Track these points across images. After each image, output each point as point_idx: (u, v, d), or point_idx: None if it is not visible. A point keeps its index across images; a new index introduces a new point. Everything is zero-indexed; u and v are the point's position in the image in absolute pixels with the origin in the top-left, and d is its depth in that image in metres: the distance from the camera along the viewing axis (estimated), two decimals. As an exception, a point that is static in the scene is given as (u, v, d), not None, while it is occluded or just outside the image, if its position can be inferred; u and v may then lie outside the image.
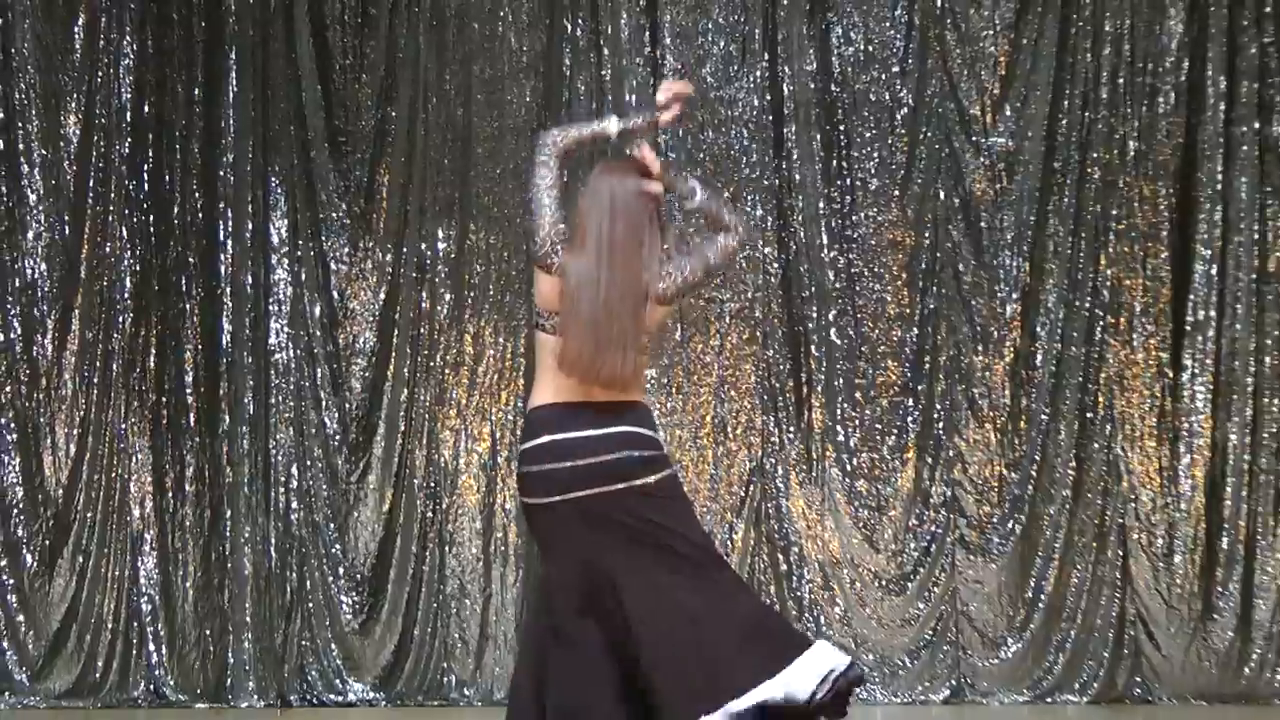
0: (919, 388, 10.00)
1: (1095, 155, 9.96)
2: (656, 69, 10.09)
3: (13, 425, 9.92)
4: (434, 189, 10.14)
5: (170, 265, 10.07)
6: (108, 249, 10.04)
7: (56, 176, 10.03)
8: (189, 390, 10.03)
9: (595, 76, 10.09)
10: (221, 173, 10.09)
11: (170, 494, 9.97)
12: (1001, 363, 9.99)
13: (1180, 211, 9.95)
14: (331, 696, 9.88)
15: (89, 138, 10.03)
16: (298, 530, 10.00)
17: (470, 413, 10.05)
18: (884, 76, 10.09)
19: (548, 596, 5.47)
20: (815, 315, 10.01)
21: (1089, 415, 9.91)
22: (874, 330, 10.04)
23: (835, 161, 10.06)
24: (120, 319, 10.01)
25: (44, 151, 10.02)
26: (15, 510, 9.87)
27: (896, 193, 10.06)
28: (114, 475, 9.95)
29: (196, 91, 10.10)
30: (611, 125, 5.61)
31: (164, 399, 10.01)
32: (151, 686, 9.85)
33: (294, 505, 10.01)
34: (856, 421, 9.99)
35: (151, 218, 10.08)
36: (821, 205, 10.04)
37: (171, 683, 9.84)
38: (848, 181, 10.07)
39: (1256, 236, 9.89)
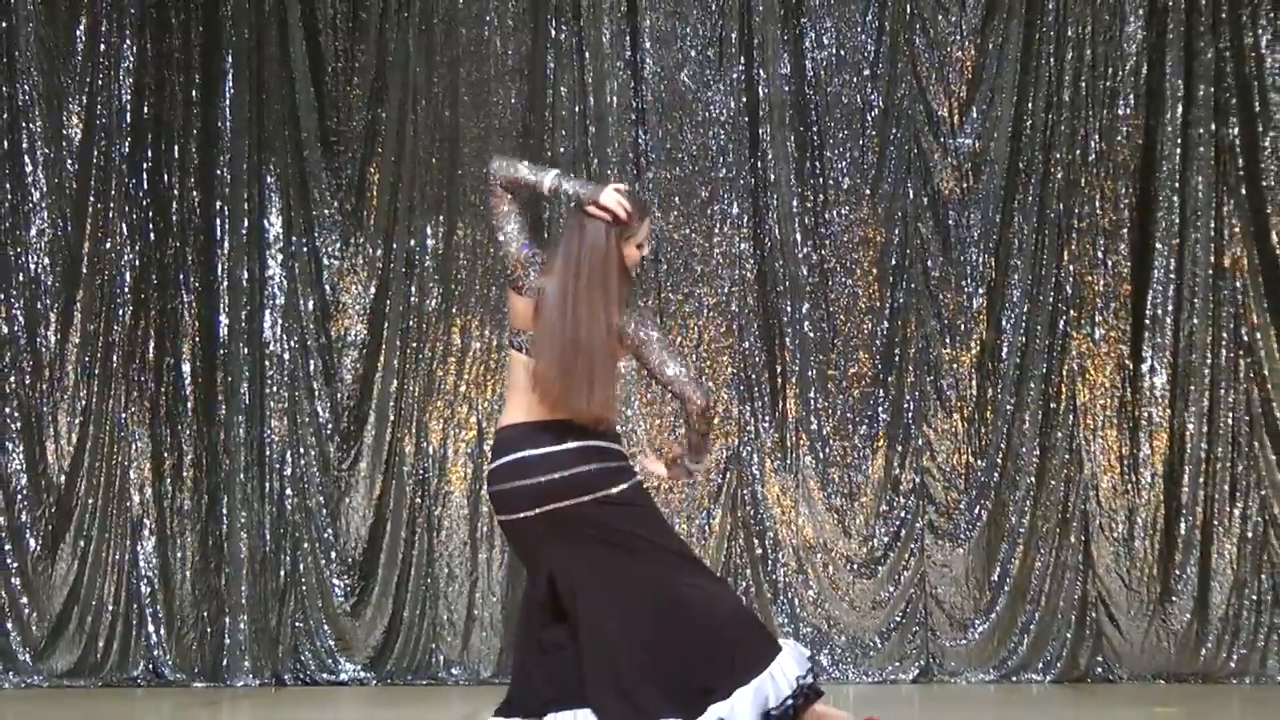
0: (889, 379, 10.11)
1: (1058, 155, 10.08)
2: (637, 72, 10.21)
3: (16, 414, 10.02)
4: (422, 187, 10.25)
5: (169, 260, 10.16)
6: (108, 245, 10.13)
7: (59, 175, 10.12)
8: (187, 381, 10.13)
9: (578, 79, 10.20)
10: (218, 171, 10.19)
11: (168, 480, 10.07)
12: (968, 355, 10.11)
13: (1140, 209, 10.06)
14: (324, 676, 10.00)
15: (90, 137, 10.13)
16: (291, 515, 10.10)
17: (458, 403, 10.15)
18: (855, 80, 10.21)
19: (527, 612, 5.65)
20: (789, 309, 10.13)
21: (1052, 405, 10.04)
22: (846, 323, 10.14)
23: (808, 161, 10.18)
24: (120, 312, 10.11)
25: (47, 150, 10.11)
26: (19, 496, 9.98)
27: (867, 191, 10.17)
28: (114, 462, 10.05)
29: (194, 93, 10.19)
30: (547, 180, 5.56)
31: (163, 389, 10.10)
32: (150, 666, 9.97)
33: (288, 491, 10.12)
34: (829, 411, 10.10)
35: (150, 214, 10.17)
36: (795, 203, 10.15)
37: (170, 662, 9.96)
38: (820, 180, 10.18)
39: (1213, 233, 10.01)
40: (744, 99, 10.19)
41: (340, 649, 10.07)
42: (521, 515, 5.55)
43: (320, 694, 9.77)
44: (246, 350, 10.16)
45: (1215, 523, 9.94)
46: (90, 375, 10.09)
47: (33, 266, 10.12)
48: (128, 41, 10.20)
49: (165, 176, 10.19)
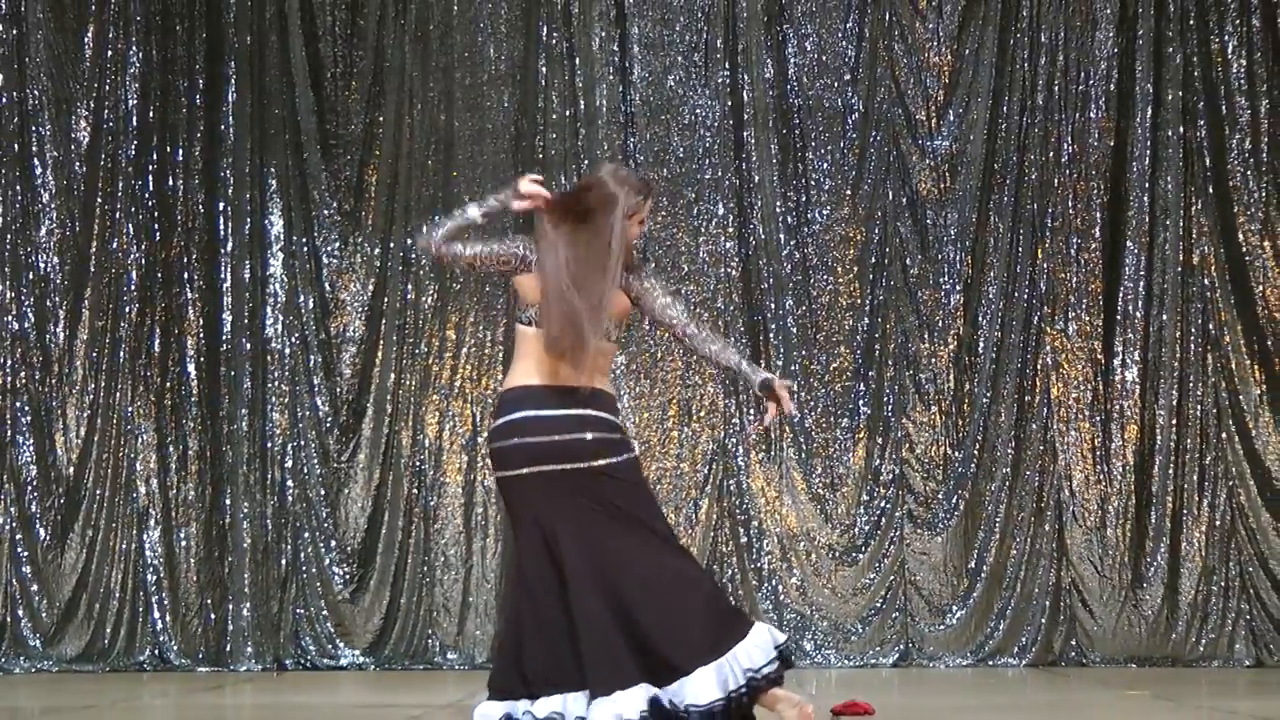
0: (869, 373, 10.24)
1: (1032, 157, 10.23)
2: (626, 77, 10.34)
3: (27, 408, 10.13)
4: (418, 188, 10.36)
5: (173, 259, 10.26)
6: (115, 244, 10.24)
7: (67, 176, 10.22)
8: (191, 375, 10.24)
9: (568, 84, 10.33)
10: (221, 173, 10.30)
11: (174, 472, 10.18)
12: (946, 350, 10.25)
13: (1111, 209, 10.22)
14: (324, 661, 10.12)
15: (98, 140, 10.23)
16: (292, 506, 10.20)
17: (453, 396, 10.27)
18: (836, 84, 10.35)
19: (522, 588, 5.70)
20: (773, 306, 10.26)
21: (1027, 398, 10.19)
22: (827, 320, 10.27)
23: (791, 163, 10.31)
24: (127, 309, 10.21)
25: (56, 153, 10.22)
26: (29, 487, 10.08)
27: (848, 192, 10.30)
28: (121, 455, 10.16)
29: (197, 97, 10.30)
30: (472, 210, 5.72)
31: (168, 383, 10.21)
32: (156, 651, 10.08)
33: (289, 483, 10.22)
34: (811, 405, 10.22)
35: (156, 215, 10.28)
36: (778, 204, 10.29)
37: (175, 648, 10.08)
38: (803, 181, 10.32)
39: (1181, 233, 10.17)
40: (729, 103, 10.31)
41: (340, 635, 10.17)
42: (515, 472, 5.63)
43: (321, 678, 9.82)
44: (248, 346, 10.26)
45: (1185, 511, 10.09)
46: (98, 370, 10.18)
47: (42, 265, 10.21)
48: (134, 48, 10.30)
49: (170, 178, 10.30)
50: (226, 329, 10.27)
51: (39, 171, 10.23)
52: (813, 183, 10.32)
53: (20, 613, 10.07)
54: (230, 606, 10.13)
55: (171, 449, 10.20)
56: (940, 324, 10.27)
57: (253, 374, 10.26)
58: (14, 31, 10.24)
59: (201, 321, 10.26)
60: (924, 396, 10.26)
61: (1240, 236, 10.19)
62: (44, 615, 10.07)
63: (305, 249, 10.37)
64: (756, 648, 5.65)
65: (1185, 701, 8.15)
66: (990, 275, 10.24)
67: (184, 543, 10.18)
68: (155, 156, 10.30)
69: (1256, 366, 10.17)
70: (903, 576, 10.16)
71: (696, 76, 10.36)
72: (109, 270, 10.25)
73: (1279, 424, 10.13)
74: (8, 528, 10.08)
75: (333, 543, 10.24)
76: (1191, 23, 10.23)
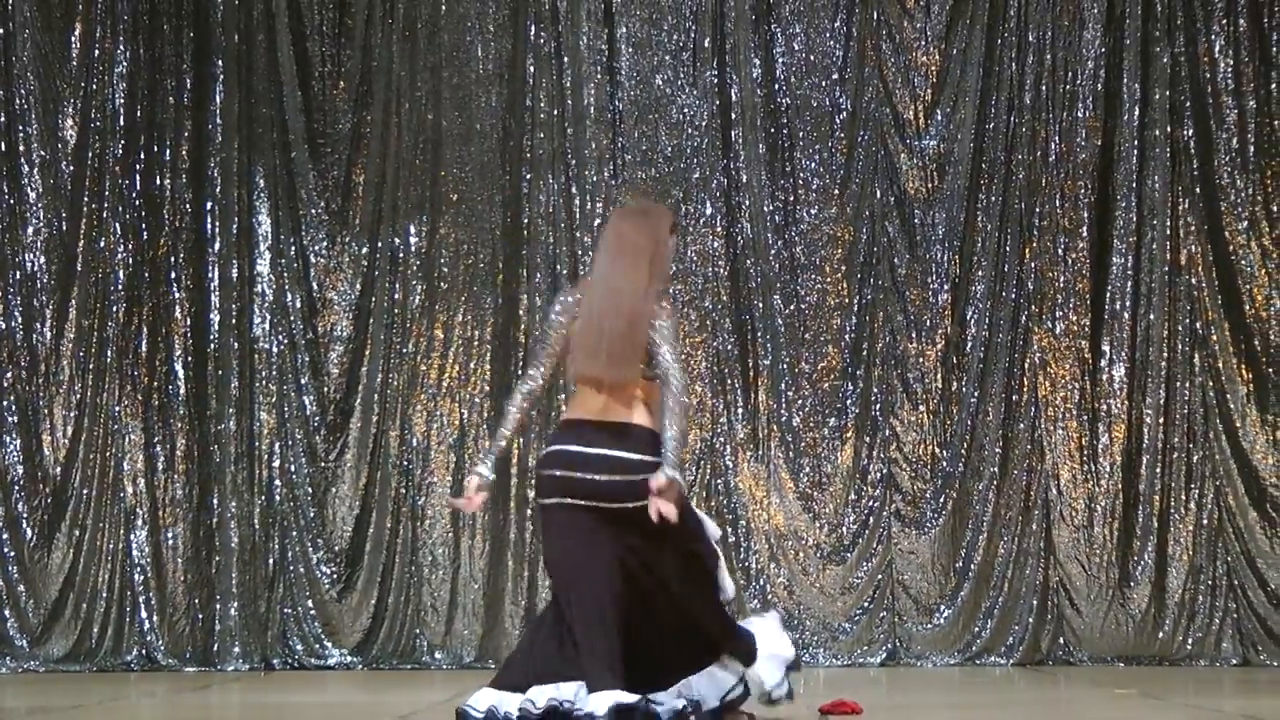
0: (857, 372, 10.27)
1: (1020, 156, 10.26)
2: (613, 76, 10.35)
3: (13, 408, 10.13)
4: (406, 187, 10.38)
5: (161, 258, 10.27)
6: (102, 243, 10.24)
7: (54, 176, 10.23)
8: (178, 375, 10.25)
9: (556, 83, 10.34)
10: (208, 172, 10.31)
11: (161, 472, 10.19)
12: (934, 349, 10.28)
13: (1098, 208, 10.25)
14: (312, 660, 10.13)
15: (85, 139, 10.25)
16: (280, 505, 10.22)
17: (440, 396, 10.28)
18: (824, 83, 10.38)
19: (550, 607, 6.02)
20: (761, 305, 10.27)
21: (1015, 398, 10.21)
22: (815, 319, 10.30)
23: (779, 162, 10.34)
24: (114, 309, 10.22)
25: (43, 153, 10.23)
26: (16, 487, 10.08)
27: (836, 191, 10.33)
28: (108, 454, 10.16)
29: (185, 97, 10.32)
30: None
31: (155, 383, 10.21)
32: (144, 651, 10.09)
33: (276, 482, 10.24)
34: (799, 404, 10.25)
35: (143, 214, 10.29)
36: (766, 203, 10.31)
37: (162, 648, 10.09)
38: (791, 181, 10.34)
39: (1169, 232, 10.21)
40: (717, 102, 10.34)
41: (327, 634, 10.19)
42: (552, 500, 5.88)
43: (308, 678, 9.83)
44: (236, 345, 10.27)
45: (1172, 510, 10.12)
46: (85, 370, 10.19)
47: (29, 265, 10.21)
48: (121, 47, 10.31)
49: (157, 178, 10.31)
50: (214, 328, 10.29)
51: (26, 171, 10.25)
52: (801, 182, 10.35)
53: (6, 613, 10.08)
54: (218, 606, 10.14)
55: (159, 448, 10.21)
56: (928, 323, 10.29)
57: (240, 373, 10.27)
58: (0, 31, 10.24)
59: (189, 321, 10.28)
60: (912, 396, 10.28)
61: (1227, 236, 10.22)
62: (31, 615, 10.08)
63: (293, 248, 10.38)
64: (729, 676, 6.10)
65: (1172, 700, 8.19)
66: (978, 274, 10.27)
67: (171, 542, 10.19)
68: (142, 156, 10.32)
69: (1243, 365, 10.19)
70: (890, 575, 10.18)
71: (684, 76, 10.39)
72: (96, 269, 10.26)
73: (1266, 422, 10.16)
74: (-6, 528, 10.08)
75: (320, 542, 10.25)
76: (1179, 22, 10.26)
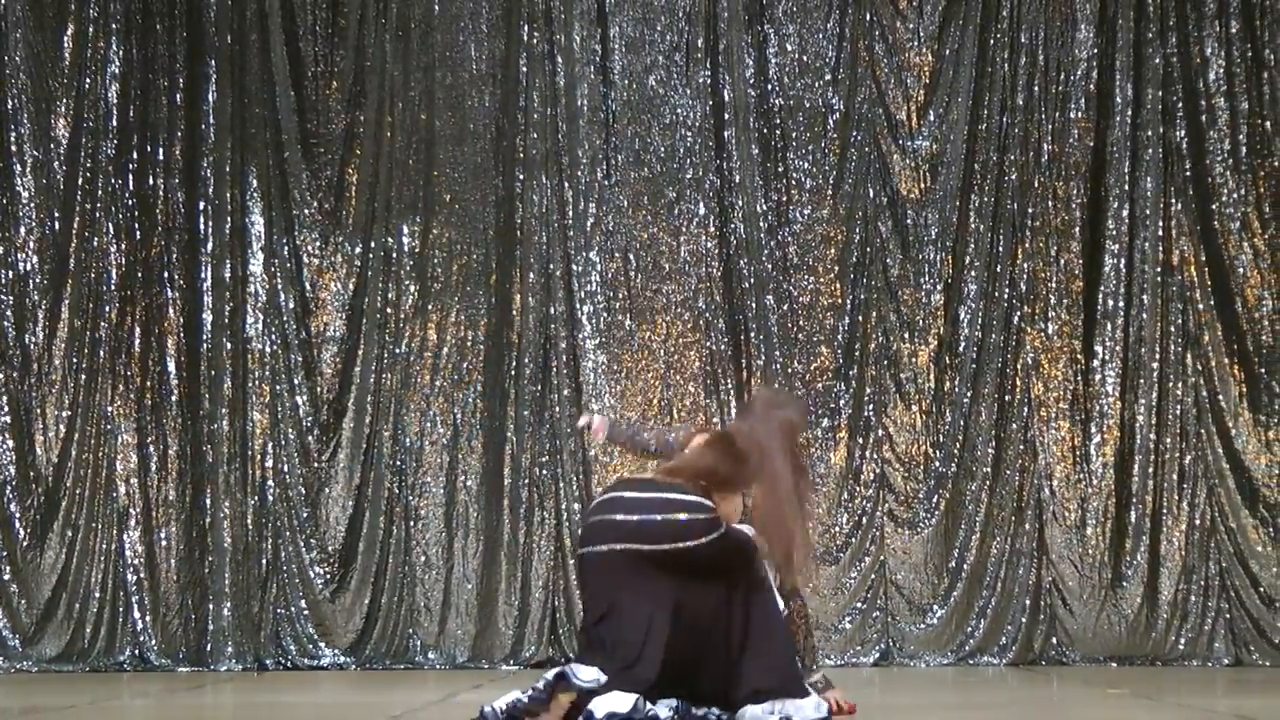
0: (850, 373, 10.29)
1: (1012, 157, 10.29)
2: (607, 76, 10.37)
3: (6, 408, 10.14)
4: (399, 187, 10.39)
5: (154, 258, 10.28)
6: (95, 243, 10.25)
7: (47, 176, 10.23)
8: (171, 375, 10.25)
9: (549, 83, 10.36)
10: (201, 172, 10.32)
11: (154, 472, 10.19)
12: (926, 349, 10.29)
13: (1091, 209, 10.27)
14: (305, 660, 10.14)
15: (77, 139, 10.25)
16: (273, 505, 10.23)
17: (433, 396, 10.29)
18: (817, 84, 10.40)
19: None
20: (754, 305, 10.28)
21: (1007, 398, 10.23)
22: (808, 319, 10.31)
23: (772, 162, 10.36)
24: (107, 309, 10.22)
25: (35, 153, 10.23)
26: (8, 487, 10.09)
27: (829, 192, 10.35)
28: (101, 454, 10.17)
29: (178, 97, 10.32)
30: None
31: (148, 383, 10.22)
32: (137, 651, 10.10)
33: (269, 482, 10.24)
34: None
35: (136, 214, 10.29)
36: (759, 203, 10.32)
37: (155, 648, 10.09)
38: (783, 181, 10.36)
39: (1161, 233, 10.23)
40: (710, 102, 10.36)
41: (320, 635, 10.20)
42: (596, 549, 5.92)
43: (301, 678, 9.84)
44: (229, 345, 10.27)
45: (1164, 510, 10.15)
46: (77, 370, 10.20)
47: (22, 265, 10.22)
48: (114, 46, 10.32)
49: (150, 177, 10.31)
50: (207, 328, 10.29)
51: (18, 171, 10.26)
52: (793, 182, 10.37)
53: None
54: (211, 606, 10.15)
55: (152, 448, 10.21)
56: (921, 324, 10.32)
57: (233, 373, 10.28)
58: (-8, 31, 10.25)
59: (182, 321, 10.29)
60: (905, 396, 10.31)
61: (1220, 236, 10.24)
62: (23, 615, 10.08)
63: (286, 248, 10.40)
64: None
65: (1164, 700, 8.18)
66: (971, 275, 10.30)
67: (164, 542, 10.19)
68: (135, 155, 10.32)
69: (1236, 366, 10.21)
70: (883, 576, 10.20)
71: (677, 76, 10.40)
72: (89, 269, 10.26)
73: (1258, 423, 10.18)
74: (-13, 528, 10.08)
75: (313, 542, 10.26)
76: (1171, 23, 10.29)
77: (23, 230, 10.24)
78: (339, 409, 10.33)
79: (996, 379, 10.25)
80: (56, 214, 10.25)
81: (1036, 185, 10.29)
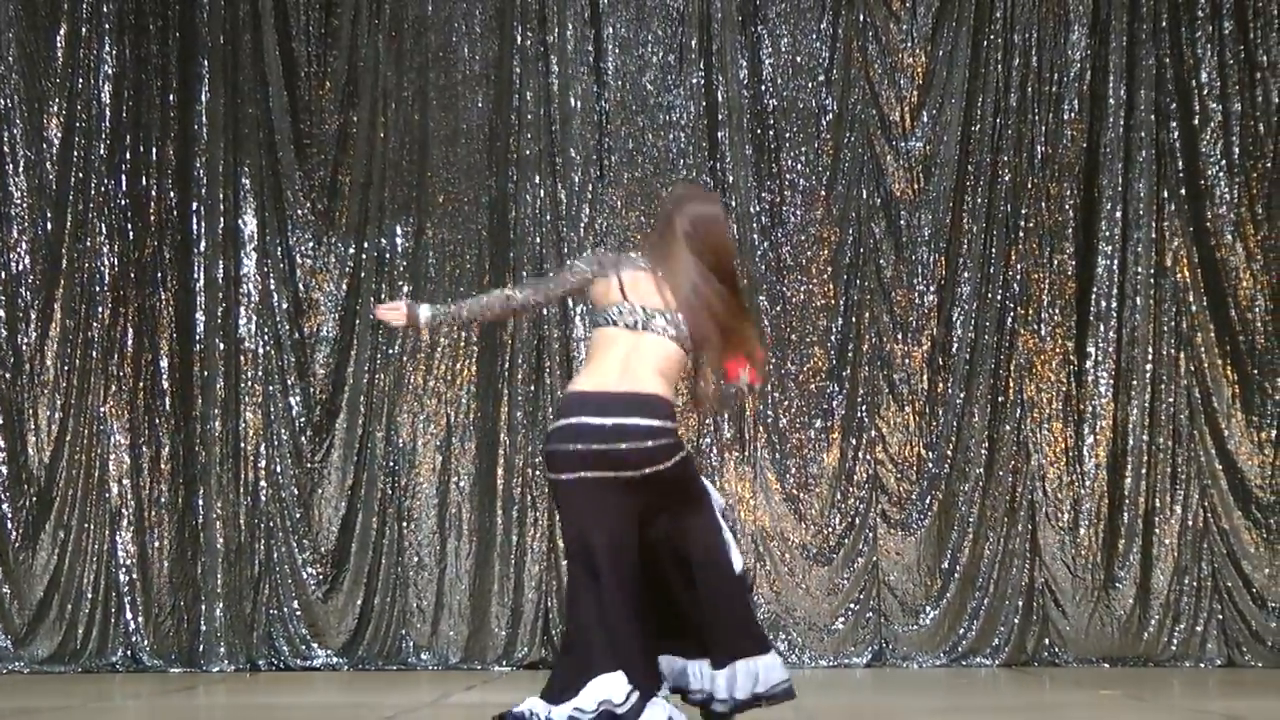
0: (843, 373, 10.29)
1: (1006, 158, 10.30)
2: (600, 77, 10.37)
3: None
4: (392, 188, 10.39)
5: (146, 259, 10.27)
6: (88, 244, 10.23)
7: (39, 176, 10.21)
8: (164, 376, 10.24)
9: (543, 83, 10.36)
10: (194, 172, 10.31)
11: (146, 472, 10.18)
12: (920, 350, 10.31)
13: (1084, 210, 10.28)
14: (298, 661, 10.14)
15: (70, 140, 10.23)
16: (266, 506, 10.23)
17: (426, 397, 10.30)
18: (811, 85, 10.41)
19: (579, 553, 5.74)
20: (747, 306, 10.23)
21: (1000, 399, 10.25)
22: (801, 320, 10.32)
23: (765, 163, 10.37)
24: (99, 309, 10.21)
25: (28, 153, 10.21)
26: (0, 487, 10.06)
27: (822, 192, 10.36)
28: (93, 455, 10.15)
29: (171, 97, 10.32)
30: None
31: (140, 384, 10.21)
32: (129, 652, 10.09)
33: (262, 483, 10.24)
34: (785, 405, 10.27)
35: (129, 214, 10.28)
36: (753, 204, 10.33)
37: (148, 649, 10.09)
38: (777, 182, 10.37)
39: (1154, 234, 10.24)
40: (703, 103, 10.36)
41: (313, 636, 10.20)
42: (567, 476, 5.67)
43: (294, 679, 9.84)
44: (222, 346, 10.27)
45: (1157, 511, 10.16)
46: (70, 370, 10.18)
47: (14, 265, 10.20)
48: (107, 46, 10.31)
49: (143, 178, 10.31)
50: (199, 329, 10.29)
51: (10, 171, 10.23)
52: (787, 183, 10.39)
53: (-9, 614, 10.07)
54: (203, 607, 10.14)
55: (144, 449, 10.20)
56: (914, 325, 10.33)
57: (226, 374, 10.27)
58: (-15, 30, 10.25)
59: (174, 321, 10.28)
60: (898, 397, 10.32)
61: (1213, 238, 10.26)
62: (15, 616, 10.07)
63: (279, 249, 10.39)
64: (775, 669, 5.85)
65: (1157, 701, 8.23)
66: (964, 276, 10.31)
67: (156, 543, 10.19)
68: (128, 156, 10.31)
69: (1229, 367, 10.22)
70: (876, 577, 10.21)
71: (671, 77, 10.41)
72: (81, 270, 10.26)
73: (1251, 424, 10.19)
74: (-22, 528, 10.07)
75: (306, 543, 10.27)
76: (1164, 24, 10.29)
77: (15, 230, 10.22)
78: (332, 410, 10.34)
79: (989, 380, 10.26)
80: (49, 214, 10.24)
81: (1029, 186, 10.30)
